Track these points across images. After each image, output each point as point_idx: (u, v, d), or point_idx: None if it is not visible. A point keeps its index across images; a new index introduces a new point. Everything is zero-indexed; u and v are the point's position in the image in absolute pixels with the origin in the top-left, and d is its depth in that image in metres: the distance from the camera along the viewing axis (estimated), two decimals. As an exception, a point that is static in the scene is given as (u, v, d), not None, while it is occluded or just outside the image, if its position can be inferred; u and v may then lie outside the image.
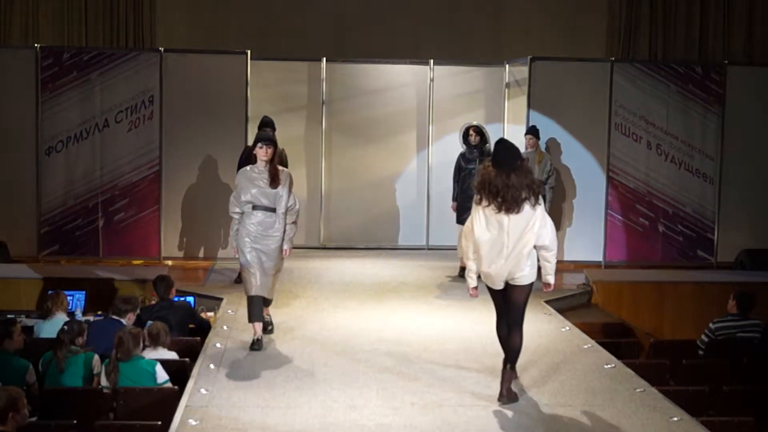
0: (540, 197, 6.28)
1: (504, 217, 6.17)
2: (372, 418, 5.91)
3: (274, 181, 7.47)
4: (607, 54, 14.03)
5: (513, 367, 6.38)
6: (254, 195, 7.48)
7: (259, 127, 9.36)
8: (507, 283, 6.29)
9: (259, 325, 7.59)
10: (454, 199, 10.73)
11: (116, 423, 5.95)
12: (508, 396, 6.26)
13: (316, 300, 9.45)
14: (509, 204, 6.15)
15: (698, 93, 12.03)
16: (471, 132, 10.64)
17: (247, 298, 7.65)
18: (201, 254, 11.67)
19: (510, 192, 6.14)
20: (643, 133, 11.96)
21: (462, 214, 10.07)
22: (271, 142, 7.51)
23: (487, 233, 6.22)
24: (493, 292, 6.40)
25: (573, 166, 11.97)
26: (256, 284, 7.52)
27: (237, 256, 7.67)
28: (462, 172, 10.46)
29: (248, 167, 7.63)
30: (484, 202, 6.22)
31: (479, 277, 6.41)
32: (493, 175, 6.21)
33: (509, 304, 6.32)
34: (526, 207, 6.17)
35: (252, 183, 7.49)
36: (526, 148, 11.24)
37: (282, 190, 7.50)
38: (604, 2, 14.40)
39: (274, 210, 7.49)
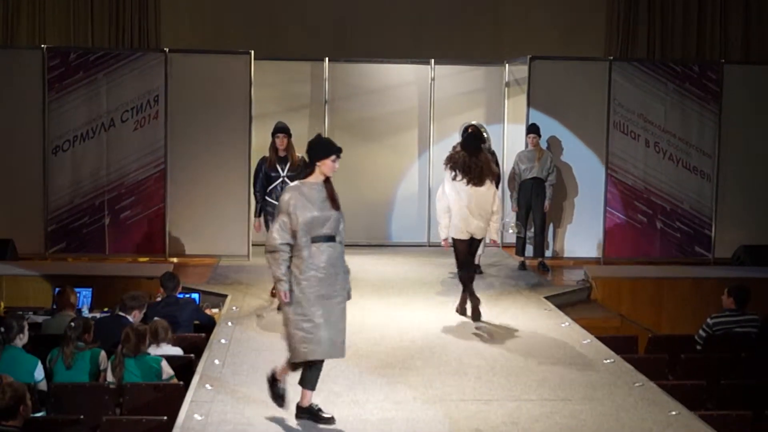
0: (495, 174, 8.49)
1: (471, 189, 8.19)
2: (375, 413, 5.95)
3: (334, 201, 5.69)
4: (605, 53, 14.07)
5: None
6: (317, 220, 5.59)
7: (273, 133, 8.96)
8: (471, 237, 8.33)
9: (311, 393, 5.85)
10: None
11: (122, 418, 5.98)
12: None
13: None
14: (476, 179, 8.19)
15: (695, 91, 12.06)
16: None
17: (304, 362, 5.73)
18: (206, 252, 11.70)
19: (478, 170, 8.19)
20: (641, 131, 12.00)
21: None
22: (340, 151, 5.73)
23: (458, 201, 8.20)
24: (460, 244, 8.38)
25: (573, 164, 12.01)
26: (324, 343, 5.63)
27: (287, 301, 5.64)
28: (463, 170, 10.59)
29: (298, 182, 5.75)
30: (459, 177, 8.22)
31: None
32: (465, 157, 8.24)
33: (470, 250, 8.51)
34: (487, 182, 8.24)
35: (312, 203, 5.61)
36: (527, 146, 11.34)
37: (341, 213, 5.77)
38: (603, 1, 14.42)
39: (334, 239, 5.67)
